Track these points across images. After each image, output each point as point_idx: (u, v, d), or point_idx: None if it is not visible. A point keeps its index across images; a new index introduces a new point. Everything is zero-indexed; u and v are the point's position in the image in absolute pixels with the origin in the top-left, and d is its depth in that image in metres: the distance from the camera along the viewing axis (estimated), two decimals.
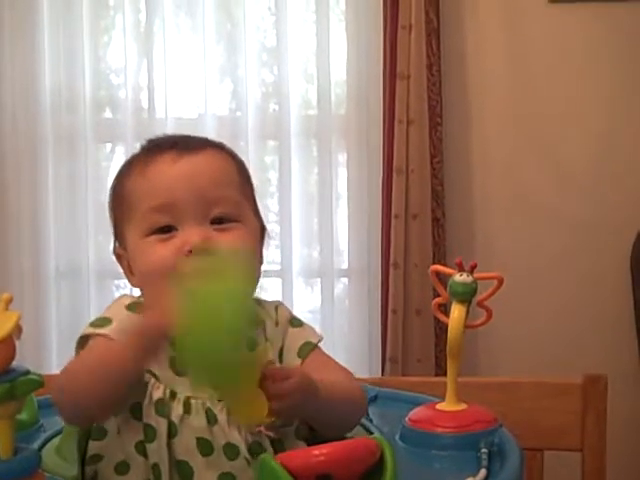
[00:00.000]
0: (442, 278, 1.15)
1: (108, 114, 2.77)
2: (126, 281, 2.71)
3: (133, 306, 1.03)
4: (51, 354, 2.66)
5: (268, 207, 2.66)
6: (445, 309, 1.15)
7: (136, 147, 2.57)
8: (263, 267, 1.09)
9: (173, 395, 0.97)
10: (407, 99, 2.50)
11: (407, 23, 2.49)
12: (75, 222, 2.71)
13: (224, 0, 2.69)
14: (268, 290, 2.55)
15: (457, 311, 1.09)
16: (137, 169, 1.05)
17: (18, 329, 0.74)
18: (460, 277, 1.09)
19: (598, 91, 2.62)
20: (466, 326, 1.10)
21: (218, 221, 1.01)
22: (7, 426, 0.74)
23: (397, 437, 1.07)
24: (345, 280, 2.72)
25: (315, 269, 2.68)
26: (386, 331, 2.52)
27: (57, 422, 1.09)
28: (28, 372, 0.74)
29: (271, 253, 2.66)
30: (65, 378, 0.94)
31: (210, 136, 1.14)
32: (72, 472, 0.92)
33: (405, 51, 2.50)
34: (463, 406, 1.09)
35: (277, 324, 1.08)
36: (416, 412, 1.10)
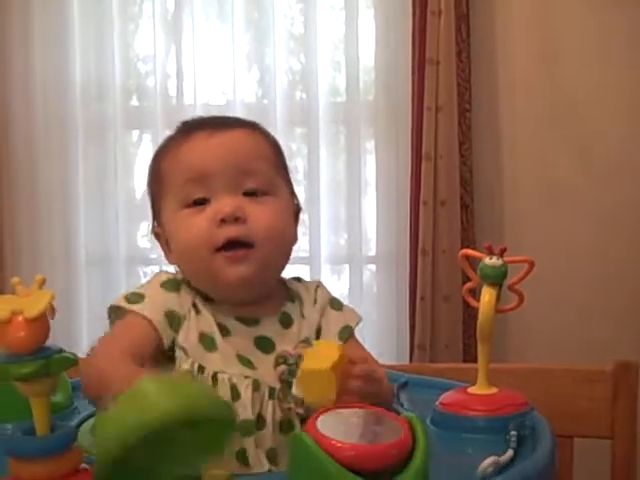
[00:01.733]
0: (472, 263, 1.15)
1: (137, 102, 2.79)
2: (154, 268, 2.76)
3: (168, 284, 1.05)
4: (82, 340, 2.69)
5: (296, 194, 2.66)
6: (475, 294, 1.14)
7: (165, 134, 2.59)
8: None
9: (201, 369, 0.99)
10: (436, 85, 2.49)
11: (436, 9, 2.48)
12: (105, 209, 2.73)
13: None
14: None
15: (488, 295, 1.08)
16: (172, 147, 1.08)
17: (52, 308, 0.75)
18: (490, 260, 1.08)
19: (630, 77, 2.59)
20: (497, 310, 1.09)
21: (251, 193, 1.03)
22: (42, 403, 0.74)
23: (428, 421, 1.07)
24: (373, 267, 2.72)
25: (343, 256, 2.68)
26: (414, 318, 2.52)
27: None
28: (62, 350, 0.75)
29: (299, 240, 2.66)
30: (92, 365, 0.95)
31: None
32: None
33: (434, 37, 2.48)
34: (494, 390, 1.09)
35: (315, 303, 1.10)
36: (447, 396, 1.09)
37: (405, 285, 2.57)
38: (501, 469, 0.86)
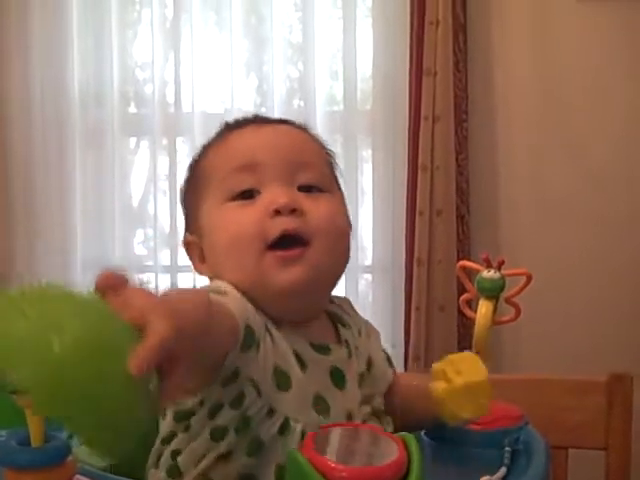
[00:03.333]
0: (469, 274, 1.15)
1: (135, 108, 2.79)
2: (150, 275, 2.68)
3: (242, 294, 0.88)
4: None
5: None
6: (472, 305, 1.14)
7: (163, 141, 2.59)
8: None
9: (271, 412, 0.84)
10: (433, 95, 2.49)
11: (434, 19, 2.48)
12: (101, 215, 2.73)
13: None
14: None
15: (484, 307, 1.09)
16: (217, 143, 0.97)
17: None
18: (488, 273, 1.09)
19: (626, 88, 2.60)
20: (494, 322, 1.10)
21: (306, 189, 0.92)
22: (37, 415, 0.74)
23: (422, 433, 1.07)
24: (369, 276, 2.72)
25: None
26: (409, 328, 2.52)
27: None
28: None
29: None
30: None
31: None
32: (102, 462, 0.93)
33: (432, 47, 2.49)
34: None
35: (360, 332, 1.00)
36: None
37: (401, 295, 2.57)
38: None
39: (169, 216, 2.67)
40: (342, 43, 2.65)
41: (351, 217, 2.78)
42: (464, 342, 2.45)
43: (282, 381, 0.85)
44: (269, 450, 0.84)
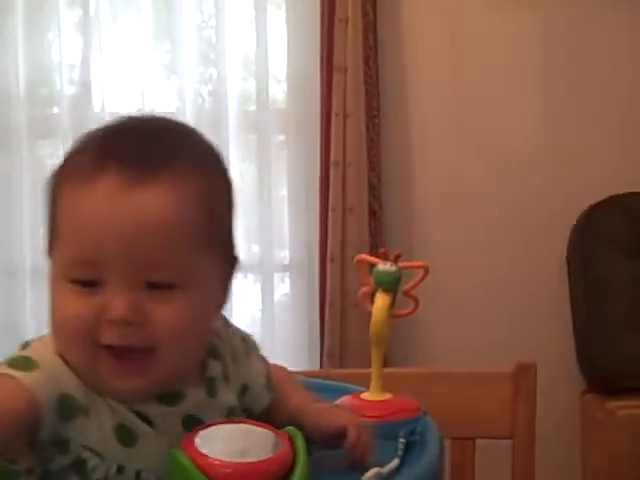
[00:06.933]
0: (370, 268, 1.15)
1: (45, 109, 2.73)
2: None
3: None
4: None
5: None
6: (373, 299, 1.15)
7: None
8: None
9: (121, 469, 0.79)
10: (344, 92, 2.51)
11: (344, 16, 2.50)
12: (11, 219, 2.66)
13: None
14: None
15: (381, 300, 1.09)
16: (78, 184, 0.80)
17: None
18: (384, 266, 1.09)
19: (534, 83, 2.65)
20: (393, 315, 1.10)
21: (156, 285, 0.79)
22: None
23: None
24: (286, 275, 2.71)
25: (255, 264, 2.67)
26: (324, 325, 2.53)
27: None
28: None
29: None
30: None
31: None
32: None
33: (342, 44, 2.50)
34: (388, 396, 1.09)
35: (236, 359, 0.92)
36: (341, 402, 1.09)
37: (316, 292, 2.57)
38: (386, 478, 0.86)
39: None
40: (255, 42, 2.64)
41: (266, 216, 2.75)
42: None
43: (127, 439, 0.80)
44: None
